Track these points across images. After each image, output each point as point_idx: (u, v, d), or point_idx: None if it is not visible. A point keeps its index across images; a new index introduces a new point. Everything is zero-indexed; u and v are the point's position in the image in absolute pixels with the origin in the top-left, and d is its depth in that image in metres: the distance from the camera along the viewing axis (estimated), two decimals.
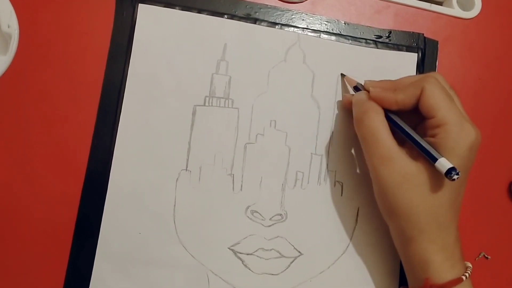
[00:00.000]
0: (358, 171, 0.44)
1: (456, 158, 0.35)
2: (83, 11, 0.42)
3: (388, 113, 0.39)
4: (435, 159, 0.35)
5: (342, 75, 0.45)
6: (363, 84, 0.42)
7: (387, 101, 0.39)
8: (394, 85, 0.40)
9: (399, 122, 0.39)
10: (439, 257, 0.37)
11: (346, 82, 0.45)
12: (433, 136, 0.37)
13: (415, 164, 0.37)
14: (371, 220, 0.43)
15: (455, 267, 0.37)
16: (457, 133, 0.36)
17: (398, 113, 0.39)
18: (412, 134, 0.38)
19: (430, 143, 0.37)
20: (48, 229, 0.40)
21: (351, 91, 0.44)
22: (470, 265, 0.39)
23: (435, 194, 0.37)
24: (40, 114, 0.41)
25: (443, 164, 0.34)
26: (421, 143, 0.37)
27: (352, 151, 0.44)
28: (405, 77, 0.41)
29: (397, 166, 0.37)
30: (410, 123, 0.39)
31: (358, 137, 0.40)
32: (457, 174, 0.34)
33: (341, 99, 0.45)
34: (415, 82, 0.39)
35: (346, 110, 0.44)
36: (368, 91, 0.40)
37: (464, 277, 0.37)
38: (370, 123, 0.38)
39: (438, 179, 0.36)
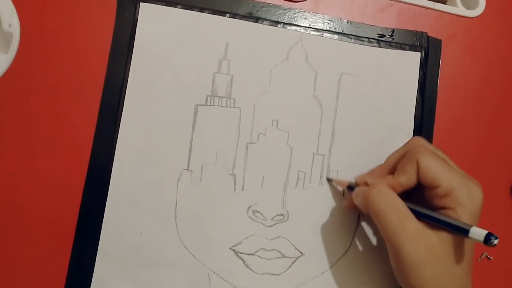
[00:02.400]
0: (360, 171, 0.44)
1: (473, 218, 0.35)
2: (85, 10, 0.42)
3: None
4: (467, 230, 0.33)
5: (329, 180, 0.43)
6: (353, 181, 0.41)
7: (391, 187, 0.37)
8: (385, 168, 0.40)
9: (409, 205, 0.37)
10: None
11: (336, 185, 0.43)
12: (443, 206, 0.36)
13: (438, 235, 0.35)
14: (373, 221, 0.43)
15: None
16: (468, 196, 0.35)
17: None
18: (429, 213, 0.36)
19: (445, 215, 0.35)
20: (49, 229, 0.40)
21: (342, 194, 0.43)
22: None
23: (459, 263, 0.36)
24: (41, 113, 0.41)
25: (478, 233, 0.33)
26: (444, 219, 0.35)
27: (354, 150, 0.44)
28: (390, 156, 0.40)
29: (425, 239, 0.35)
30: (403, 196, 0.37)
31: (372, 215, 0.37)
32: (496, 238, 0.32)
33: (343, 97, 0.44)
34: (407, 157, 0.38)
35: (352, 107, 0.44)
36: (365, 184, 0.39)
37: None
38: (387, 196, 0.36)
39: (460, 248, 0.35)
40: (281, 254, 0.42)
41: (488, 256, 0.45)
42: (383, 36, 0.47)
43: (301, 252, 0.42)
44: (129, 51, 0.42)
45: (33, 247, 0.39)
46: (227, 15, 0.44)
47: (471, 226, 0.33)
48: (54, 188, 0.40)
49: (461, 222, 0.35)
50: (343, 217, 0.43)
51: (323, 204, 0.43)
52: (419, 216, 0.36)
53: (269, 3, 0.45)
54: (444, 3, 0.50)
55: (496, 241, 0.32)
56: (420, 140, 0.39)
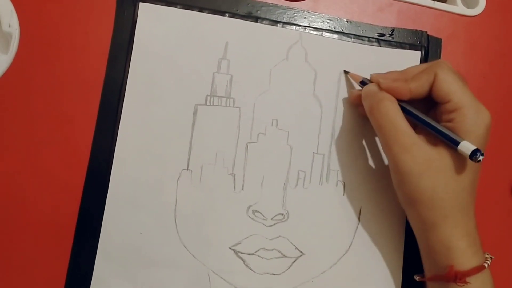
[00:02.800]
0: (360, 170, 0.44)
1: (476, 139, 0.36)
2: (84, 10, 0.42)
3: (400, 103, 0.39)
4: (457, 143, 0.35)
5: (346, 72, 0.44)
6: (368, 78, 0.42)
7: (400, 91, 0.38)
8: (403, 75, 0.40)
9: (413, 111, 0.38)
10: (463, 243, 0.37)
11: (351, 78, 0.44)
12: (449, 120, 0.37)
13: (436, 150, 0.37)
14: (374, 220, 0.43)
15: (477, 254, 0.37)
16: (474, 116, 0.36)
17: (409, 102, 0.39)
18: (429, 121, 0.37)
19: (448, 128, 0.37)
20: (49, 228, 0.40)
21: (357, 87, 0.44)
22: (489, 254, 0.39)
23: (458, 178, 0.37)
24: (41, 114, 0.41)
25: (467, 146, 0.35)
26: (440, 128, 0.37)
27: (355, 150, 0.44)
28: (411, 67, 0.41)
29: (420, 152, 0.36)
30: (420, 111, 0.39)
31: (374, 127, 0.39)
32: (482, 155, 0.34)
33: (343, 97, 0.44)
34: (427, 69, 0.39)
35: (351, 106, 0.44)
36: (377, 83, 0.40)
37: (486, 265, 0.37)
38: (388, 111, 0.38)
39: (459, 163, 0.37)
40: (281, 253, 0.41)
41: (490, 256, 0.45)
42: (383, 35, 0.46)
43: (301, 252, 0.42)
44: (129, 51, 0.42)
45: (32, 246, 0.39)
46: (227, 14, 0.44)
47: (462, 139, 0.35)
48: (54, 188, 0.40)
49: (455, 134, 0.36)
50: (343, 217, 0.43)
51: (323, 203, 0.43)
52: (420, 122, 0.38)
53: (269, 3, 0.45)
54: (444, 2, 0.50)
55: (481, 158, 0.34)
56: (444, 61, 0.40)
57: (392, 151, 0.37)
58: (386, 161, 0.44)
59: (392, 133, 0.37)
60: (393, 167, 0.38)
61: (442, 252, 0.37)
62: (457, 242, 0.37)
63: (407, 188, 0.37)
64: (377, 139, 0.44)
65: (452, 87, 0.37)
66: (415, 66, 0.41)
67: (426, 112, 0.39)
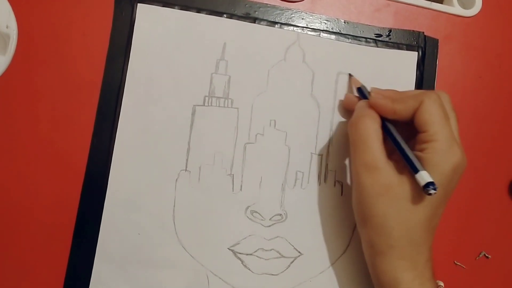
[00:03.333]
0: None
1: (439, 175, 0.35)
2: (82, 11, 0.42)
3: (385, 120, 0.39)
4: (417, 171, 0.35)
5: (350, 75, 0.45)
6: (369, 89, 0.42)
7: (384, 109, 0.39)
8: (397, 95, 0.40)
9: (391, 130, 0.39)
10: (408, 275, 0.36)
11: (351, 83, 0.45)
12: (421, 150, 0.37)
13: (398, 177, 0.36)
14: None
15: (425, 286, 0.37)
16: (444, 151, 0.36)
17: (396, 123, 0.39)
18: (401, 143, 0.38)
19: (417, 157, 0.37)
20: (47, 230, 0.40)
21: (354, 92, 0.44)
22: (442, 284, 0.39)
23: (412, 210, 0.36)
24: (39, 115, 0.41)
25: (423, 177, 0.35)
26: (408, 153, 0.37)
27: None
28: (410, 90, 0.41)
29: (380, 176, 0.36)
30: (405, 136, 0.38)
31: (349, 139, 0.40)
32: (434, 189, 0.34)
33: (341, 97, 0.45)
34: (416, 95, 0.38)
35: (346, 109, 0.44)
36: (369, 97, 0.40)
37: None
38: (363, 130, 0.38)
39: (417, 195, 0.36)
40: (279, 254, 0.42)
41: (486, 255, 0.45)
42: (380, 36, 0.47)
43: (299, 252, 0.42)
44: (127, 52, 0.42)
45: (31, 248, 0.39)
46: (225, 15, 0.44)
47: (423, 169, 0.35)
48: (52, 189, 0.40)
49: (419, 163, 0.36)
50: (341, 217, 0.43)
51: (321, 204, 0.43)
52: (392, 141, 0.38)
53: (266, 4, 0.45)
54: (441, 2, 0.50)
55: (432, 192, 0.34)
56: (442, 93, 0.40)
57: (356, 169, 0.38)
58: None
59: (360, 151, 0.38)
60: (355, 185, 0.39)
61: (387, 282, 0.37)
62: (402, 274, 0.36)
63: (361, 208, 0.38)
64: None
65: (432, 118, 0.37)
66: (413, 90, 0.41)
67: (409, 137, 0.39)
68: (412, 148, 0.38)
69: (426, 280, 0.37)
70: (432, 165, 0.36)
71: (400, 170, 0.37)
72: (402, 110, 0.38)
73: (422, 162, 0.36)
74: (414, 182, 0.36)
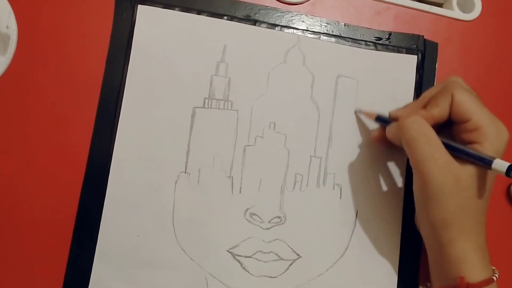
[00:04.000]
0: (357, 173, 0.44)
1: (499, 156, 0.36)
2: (82, 12, 0.42)
3: None
4: (490, 162, 0.35)
5: (359, 111, 0.44)
6: (385, 114, 0.42)
7: (423, 118, 0.38)
8: (420, 103, 0.40)
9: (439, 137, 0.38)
10: (476, 256, 0.37)
11: (364, 117, 0.44)
12: (470, 140, 0.37)
13: (465, 169, 0.36)
14: (370, 223, 0.44)
15: (487, 268, 0.38)
16: (495, 133, 0.37)
17: None
18: (456, 145, 0.37)
19: (471, 148, 0.37)
20: (47, 230, 0.40)
21: (370, 125, 0.44)
22: (494, 268, 0.39)
23: (481, 196, 0.37)
24: (39, 116, 0.41)
25: (501, 164, 0.34)
26: (470, 150, 0.37)
27: (352, 153, 0.44)
28: (425, 92, 0.41)
29: (453, 171, 0.36)
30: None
31: (404, 142, 0.38)
32: None
33: (341, 100, 0.45)
34: (442, 91, 0.39)
35: (349, 109, 0.44)
36: (397, 119, 0.40)
37: (494, 278, 0.38)
38: (422, 125, 0.37)
39: (484, 182, 0.37)
40: (278, 256, 0.42)
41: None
42: (380, 39, 0.47)
43: (298, 255, 0.42)
44: (127, 53, 0.42)
45: (31, 248, 0.39)
46: (225, 17, 0.44)
47: (494, 158, 0.35)
48: (52, 190, 0.40)
49: (486, 154, 0.36)
50: (340, 220, 0.43)
51: (320, 206, 0.43)
52: (447, 147, 0.37)
53: (267, 6, 0.45)
54: (441, 6, 0.50)
55: None
56: (457, 78, 0.40)
57: (426, 167, 0.36)
58: (383, 163, 0.44)
59: (427, 148, 0.37)
60: (422, 184, 0.37)
61: (454, 264, 0.37)
62: (470, 256, 0.37)
63: (433, 207, 0.37)
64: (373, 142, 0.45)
65: (470, 106, 0.37)
66: (429, 90, 0.41)
67: (438, 132, 0.39)
68: (456, 141, 0.38)
69: (488, 261, 0.38)
70: (491, 149, 0.36)
71: (461, 162, 0.37)
72: (439, 112, 0.38)
73: (480, 150, 0.36)
74: (479, 171, 0.36)
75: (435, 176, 0.36)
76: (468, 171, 0.36)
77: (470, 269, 0.37)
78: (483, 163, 0.36)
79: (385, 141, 0.42)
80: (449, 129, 0.40)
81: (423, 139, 0.37)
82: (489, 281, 0.37)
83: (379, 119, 0.43)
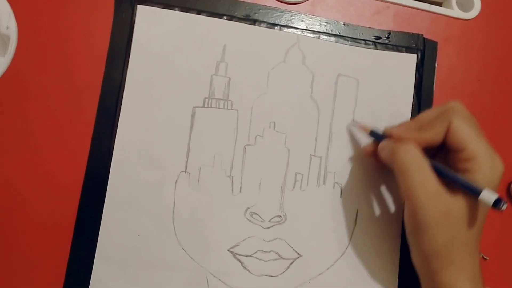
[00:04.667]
0: (357, 172, 0.44)
1: (492, 188, 0.36)
2: (82, 12, 0.42)
3: None
4: (479, 192, 0.35)
5: (353, 124, 0.44)
6: (380, 130, 0.42)
7: (416, 141, 0.38)
8: (416, 123, 0.40)
9: (430, 160, 0.38)
10: (467, 285, 0.37)
11: (358, 130, 0.44)
12: (464, 169, 0.37)
13: (455, 200, 0.36)
14: (370, 222, 0.44)
15: None
16: (490, 165, 0.36)
17: None
18: (447, 171, 0.37)
19: (463, 177, 0.37)
20: (47, 230, 0.40)
21: (362, 139, 0.44)
22: None
23: (472, 228, 0.37)
24: (39, 116, 0.41)
25: (489, 195, 0.34)
26: (460, 178, 0.36)
27: (352, 152, 0.44)
28: (423, 113, 0.41)
29: (443, 202, 0.36)
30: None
31: (396, 169, 0.38)
32: (505, 203, 0.34)
33: (340, 100, 0.45)
34: (440, 116, 0.38)
35: (349, 110, 0.44)
36: (391, 136, 0.40)
37: None
38: (415, 154, 0.37)
39: (475, 212, 0.37)
40: (278, 255, 0.42)
41: (485, 257, 0.45)
42: (379, 38, 0.47)
43: (298, 254, 0.42)
44: (127, 53, 0.42)
45: (31, 248, 0.39)
46: (225, 17, 0.44)
47: (483, 188, 0.35)
48: (52, 190, 0.40)
49: (476, 184, 0.36)
50: (340, 219, 0.43)
51: (321, 205, 0.43)
52: (438, 172, 0.37)
53: (267, 6, 0.45)
54: (440, 5, 0.50)
55: (504, 206, 0.34)
56: (458, 103, 0.39)
57: (417, 197, 0.36)
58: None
59: (418, 178, 0.36)
60: (412, 213, 0.37)
61: None
62: (461, 285, 0.37)
63: (422, 236, 0.37)
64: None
65: (467, 135, 0.37)
66: (428, 111, 0.41)
67: (432, 157, 0.39)
68: (449, 167, 0.38)
69: None
70: (484, 181, 0.36)
71: (451, 192, 0.36)
72: (432, 136, 0.38)
73: (471, 180, 0.36)
74: (470, 202, 0.36)
75: (425, 205, 0.36)
76: (459, 202, 0.36)
77: None
78: (472, 192, 0.35)
79: (377, 157, 0.41)
80: (444, 154, 0.39)
81: (414, 168, 0.37)
82: None
83: (373, 134, 0.42)
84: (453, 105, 0.39)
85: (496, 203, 0.34)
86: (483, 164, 0.36)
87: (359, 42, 0.46)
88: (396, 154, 0.38)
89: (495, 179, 0.36)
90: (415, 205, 0.36)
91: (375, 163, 0.43)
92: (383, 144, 0.40)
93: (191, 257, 0.41)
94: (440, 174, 0.37)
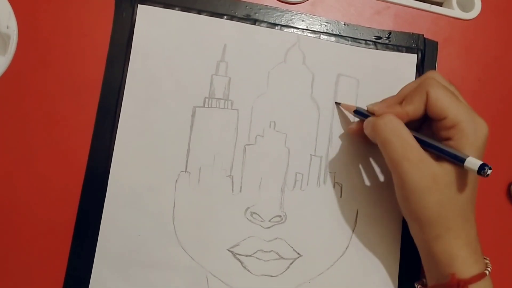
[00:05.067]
0: (357, 172, 0.44)
1: (476, 153, 0.36)
2: (83, 11, 0.42)
3: None
4: (463, 159, 0.35)
5: (337, 104, 0.45)
6: (361, 106, 0.42)
7: (398, 115, 0.38)
8: (398, 99, 0.40)
9: (414, 134, 0.38)
10: (465, 252, 0.37)
11: (343, 109, 0.45)
12: (448, 137, 0.37)
13: (441, 166, 0.36)
14: (370, 222, 0.44)
15: (478, 262, 0.38)
16: (473, 129, 0.37)
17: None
18: (430, 141, 0.37)
19: (448, 145, 0.37)
20: (47, 230, 0.40)
21: (350, 118, 0.44)
22: (488, 260, 0.39)
23: (462, 192, 0.37)
24: (39, 115, 0.41)
25: (473, 162, 0.35)
26: (444, 147, 0.37)
27: (352, 152, 0.44)
28: (404, 87, 0.41)
29: (427, 168, 0.36)
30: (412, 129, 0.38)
31: (379, 143, 0.38)
32: (490, 168, 0.34)
33: (340, 100, 0.45)
34: (417, 88, 0.38)
35: (358, 137, 0.44)
36: (373, 113, 0.40)
37: (487, 272, 0.38)
38: (395, 126, 0.37)
39: (463, 178, 0.37)
40: (278, 255, 0.42)
41: (485, 257, 0.45)
42: (380, 38, 0.47)
43: (298, 254, 0.42)
44: (127, 53, 0.42)
45: (31, 248, 0.39)
46: (225, 17, 0.44)
47: (467, 156, 0.35)
48: (52, 190, 0.40)
49: (459, 152, 0.36)
50: (340, 219, 0.43)
51: (321, 205, 0.43)
52: (422, 144, 0.37)
53: (267, 5, 0.45)
54: (441, 5, 0.50)
55: (489, 172, 0.34)
56: (434, 74, 0.40)
57: (400, 167, 0.37)
58: (384, 162, 0.44)
59: (400, 148, 0.37)
60: (399, 183, 0.37)
61: (444, 261, 0.37)
62: (459, 252, 0.37)
63: (413, 204, 0.37)
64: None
65: (446, 103, 0.37)
66: (408, 85, 0.41)
67: (418, 128, 0.40)
68: (435, 138, 0.38)
69: (479, 256, 0.38)
70: (467, 146, 0.36)
71: (437, 158, 0.37)
72: (413, 109, 0.38)
73: (456, 147, 0.36)
74: (457, 167, 0.36)
75: (411, 175, 0.36)
76: (445, 168, 0.36)
77: (460, 265, 0.37)
78: (457, 161, 0.36)
79: (363, 136, 0.42)
80: (428, 125, 0.40)
81: (395, 139, 0.37)
82: (481, 275, 0.37)
83: (357, 112, 0.43)
84: (429, 75, 0.39)
85: (481, 169, 0.34)
86: (466, 129, 0.36)
87: (359, 42, 0.46)
88: (376, 128, 0.38)
89: (480, 142, 0.37)
90: (400, 174, 0.37)
91: (363, 141, 0.43)
92: (366, 122, 0.40)
93: (191, 257, 0.41)
94: (425, 146, 0.37)
